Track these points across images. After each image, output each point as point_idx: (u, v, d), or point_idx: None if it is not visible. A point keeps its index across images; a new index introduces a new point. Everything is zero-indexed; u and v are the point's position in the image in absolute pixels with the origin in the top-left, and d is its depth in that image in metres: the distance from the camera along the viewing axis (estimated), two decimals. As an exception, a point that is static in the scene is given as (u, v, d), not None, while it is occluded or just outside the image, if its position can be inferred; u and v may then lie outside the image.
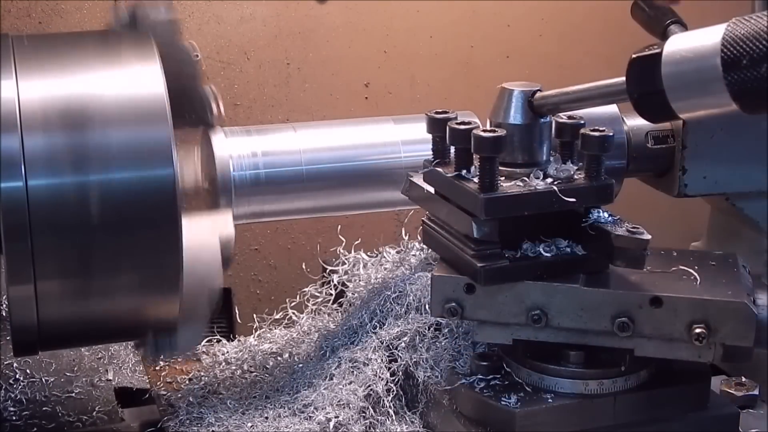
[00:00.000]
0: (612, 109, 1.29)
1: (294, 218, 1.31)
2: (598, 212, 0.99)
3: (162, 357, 1.22)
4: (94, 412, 1.21)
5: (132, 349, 1.33)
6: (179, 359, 1.23)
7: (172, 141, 1.01)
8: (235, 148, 1.19)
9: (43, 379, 1.27)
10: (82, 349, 1.32)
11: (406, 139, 1.23)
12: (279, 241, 1.76)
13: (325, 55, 1.73)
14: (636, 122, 1.28)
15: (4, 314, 1.30)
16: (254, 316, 1.23)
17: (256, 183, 1.19)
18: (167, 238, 1.02)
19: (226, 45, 1.68)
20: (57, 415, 1.21)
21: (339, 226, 1.22)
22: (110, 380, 1.28)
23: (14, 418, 1.20)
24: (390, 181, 1.20)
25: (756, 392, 1.24)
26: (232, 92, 1.69)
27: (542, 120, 1.01)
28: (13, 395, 1.23)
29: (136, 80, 1.03)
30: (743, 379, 1.25)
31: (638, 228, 0.97)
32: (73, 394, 1.25)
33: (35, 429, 1.18)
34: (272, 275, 1.76)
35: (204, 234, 1.17)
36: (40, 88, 1.01)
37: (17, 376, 1.26)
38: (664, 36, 1.23)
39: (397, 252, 1.23)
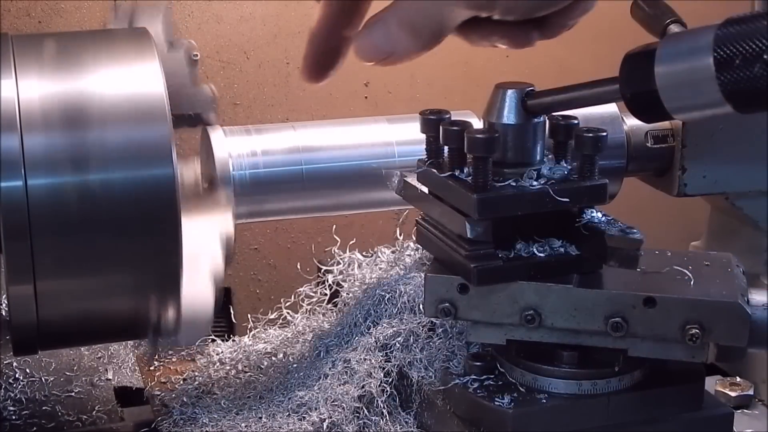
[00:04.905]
0: (611, 108, 1.28)
1: (294, 218, 1.31)
2: (592, 212, 0.99)
3: (159, 352, 1.22)
4: (94, 412, 1.22)
5: (131, 349, 1.33)
6: (174, 359, 1.24)
7: (172, 141, 1.01)
8: (234, 148, 1.19)
9: (43, 379, 1.27)
10: (82, 349, 1.32)
11: (400, 139, 1.23)
12: (278, 241, 1.76)
13: (325, 55, 1.73)
14: (635, 121, 1.27)
15: (4, 314, 1.31)
16: (249, 316, 1.23)
17: (256, 182, 1.19)
18: (167, 238, 1.02)
19: (225, 44, 1.69)
20: (57, 414, 1.21)
21: (334, 227, 1.22)
22: (110, 380, 1.29)
23: (14, 417, 1.20)
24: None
25: (751, 392, 1.23)
26: (231, 92, 1.69)
27: (536, 120, 1.00)
28: (12, 394, 1.23)
29: (135, 79, 1.03)
30: (738, 379, 1.25)
31: (632, 228, 0.96)
32: (73, 394, 1.25)
33: (35, 428, 1.18)
34: (272, 275, 1.76)
35: (204, 234, 1.17)
36: (40, 87, 1.01)
37: (17, 376, 1.27)
38: (663, 35, 1.22)
39: (392, 252, 1.22)
